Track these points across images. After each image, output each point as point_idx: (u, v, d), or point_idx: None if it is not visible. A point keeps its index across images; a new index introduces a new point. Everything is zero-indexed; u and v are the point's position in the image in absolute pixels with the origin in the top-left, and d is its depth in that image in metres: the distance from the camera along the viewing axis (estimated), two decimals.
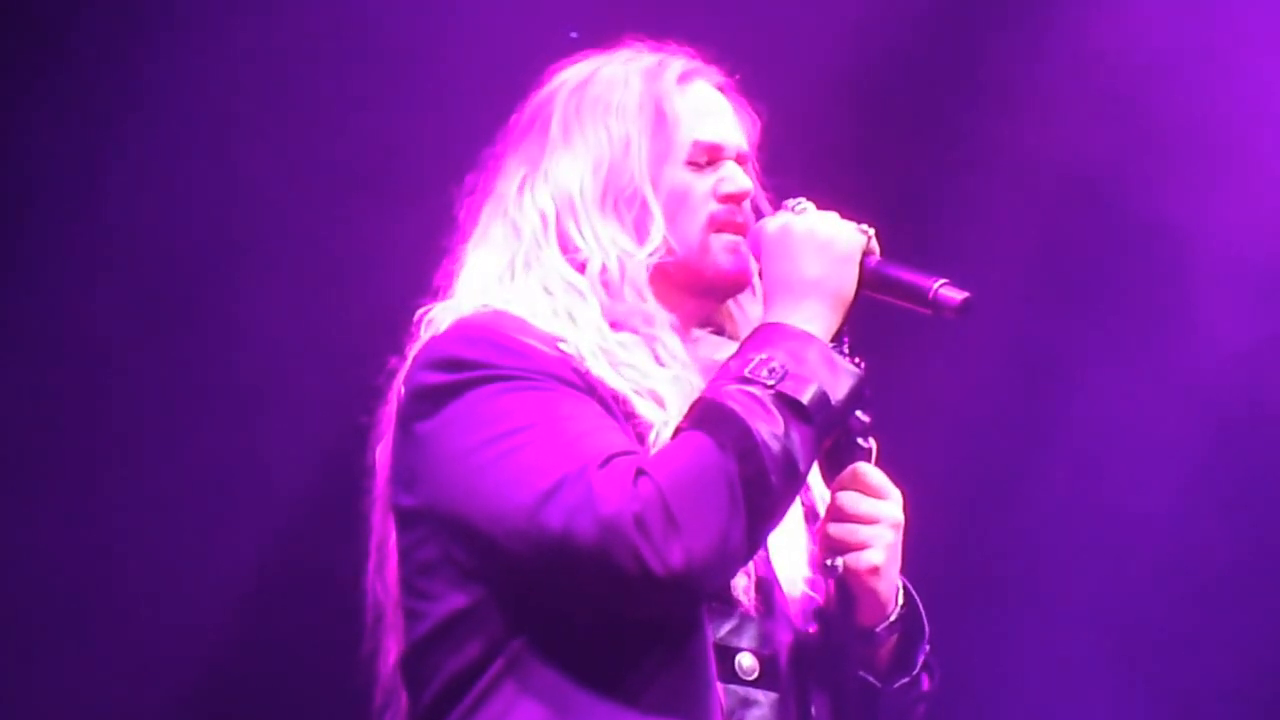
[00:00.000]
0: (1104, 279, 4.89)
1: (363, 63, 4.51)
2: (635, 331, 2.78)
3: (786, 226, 2.79)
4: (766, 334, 2.70)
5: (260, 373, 4.44)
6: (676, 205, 2.84)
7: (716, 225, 2.85)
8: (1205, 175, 4.79)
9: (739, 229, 2.86)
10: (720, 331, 2.93)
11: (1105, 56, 4.81)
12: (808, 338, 2.69)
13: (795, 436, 2.60)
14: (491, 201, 2.89)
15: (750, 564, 2.69)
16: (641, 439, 2.67)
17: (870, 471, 2.77)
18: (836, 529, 2.75)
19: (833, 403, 2.65)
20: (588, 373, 2.68)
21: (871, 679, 2.77)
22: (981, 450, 4.87)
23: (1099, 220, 4.89)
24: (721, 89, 2.94)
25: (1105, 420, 4.86)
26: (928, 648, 2.82)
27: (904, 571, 2.82)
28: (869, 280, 2.78)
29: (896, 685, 2.78)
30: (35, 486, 4.38)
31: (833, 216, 2.82)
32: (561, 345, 2.69)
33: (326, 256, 4.46)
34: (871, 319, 2.80)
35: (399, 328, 2.84)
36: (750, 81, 2.98)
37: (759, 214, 2.90)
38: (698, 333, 2.90)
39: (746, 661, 2.68)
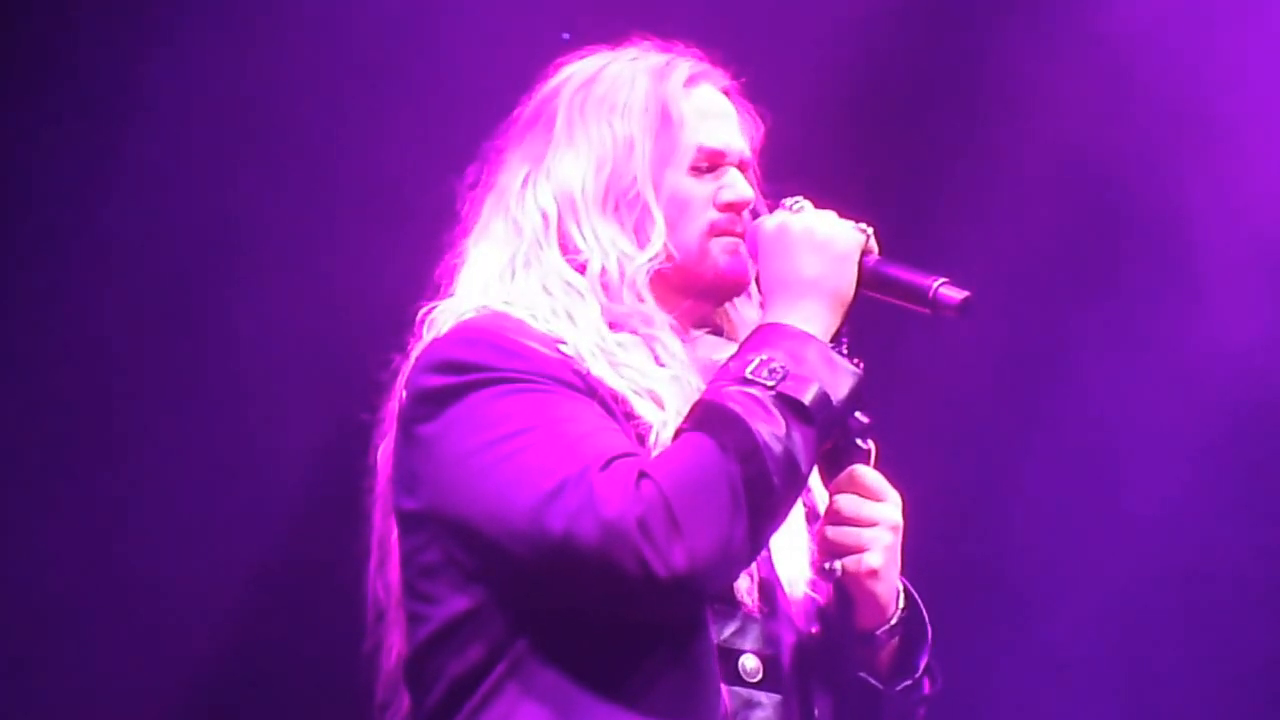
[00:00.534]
0: (1108, 272, 4.88)
1: (361, 62, 4.51)
2: (634, 332, 2.77)
3: (784, 225, 2.78)
4: (766, 334, 2.69)
5: (261, 371, 4.44)
6: (677, 211, 2.83)
7: (716, 232, 2.84)
8: (1210, 164, 4.78)
9: (738, 237, 2.85)
10: (718, 332, 2.92)
11: (1108, 45, 4.80)
12: (807, 338, 2.68)
13: (797, 437, 2.60)
14: (493, 196, 2.88)
15: (753, 565, 2.68)
16: (641, 439, 2.66)
17: (868, 474, 2.76)
18: (834, 532, 2.75)
19: (833, 403, 2.64)
20: (588, 373, 2.68)
21: (873, 681, 2.76)
22: (982, 449, 4.87)
23: (1100, 216, 4.89)
24: (727, 92, 2.93)
25: (1108, 416, 4.86)
26: (930, 651, 2.81)
27: (903, 572, 2.81)
28: (868, 279, 2.77)
29: (898, 688, 2.77)
30: (36, 486, 4.37)
31: (830, 215, 2.81)
32: (562, 346, 2.69)
33: (326, 255, 4.45)
34: (871, 318, 2.79)
35: (399, 325, 2.83)
36: (749, 79, 2.97)
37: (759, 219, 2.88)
38: (696, 333, 2.89)
39: (750, 663, 2.68)
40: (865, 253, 2.78)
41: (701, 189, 2.85)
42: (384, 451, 2.79)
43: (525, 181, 2.85)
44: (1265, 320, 4.76)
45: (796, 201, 2.84)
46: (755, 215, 2.88)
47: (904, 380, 4.50)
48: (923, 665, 2.79)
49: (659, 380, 2.73)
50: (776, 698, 2.68)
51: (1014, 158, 4.85)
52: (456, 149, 3.00)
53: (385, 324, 2.89)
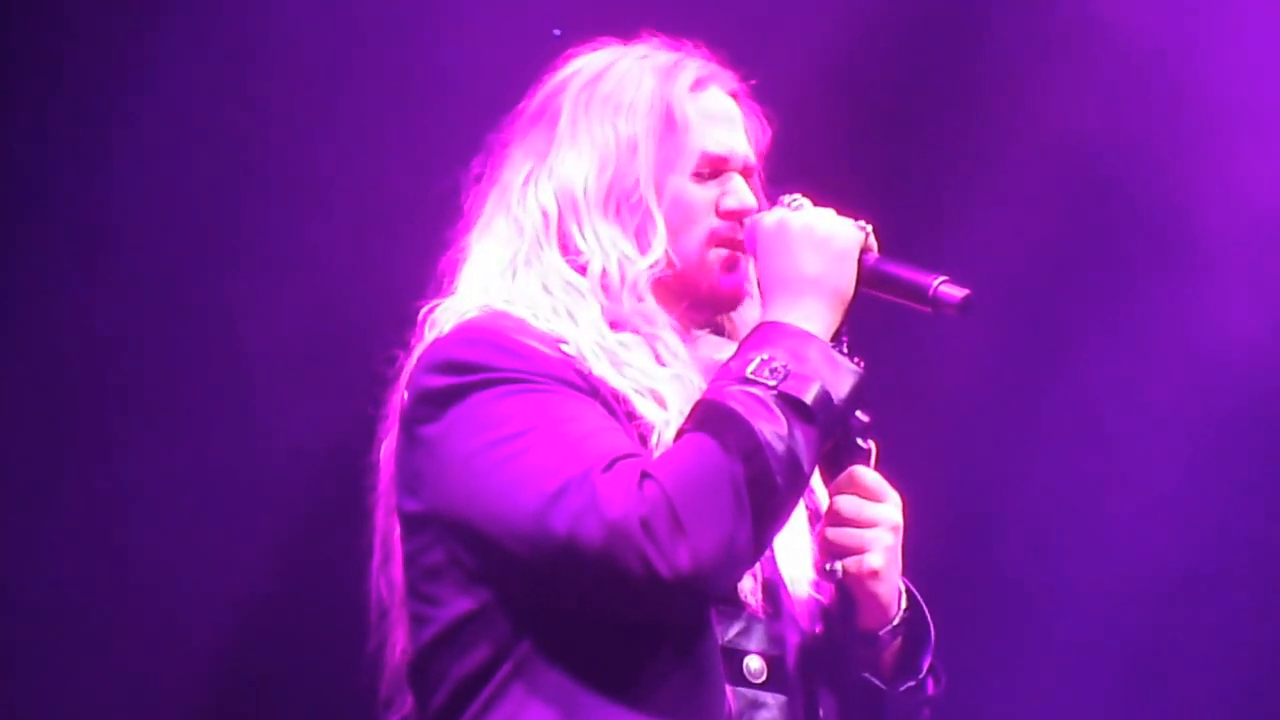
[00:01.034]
0: (1109, 269, 4.88)
1: (366, 55, 4.50)
2: (636, 331, 2.76)
3: (783, 223, 2.77)
4: (766, 333, 2.69)
5: (264, 368, 4.42)
6: (679, 216, 2.82)
7: (716, 241, 2.83)
8: (1212, 161, 4.78)
9: (739, 246, 2.83)
10: (719, 329, 2.91)
11: (1108, 39, 4.80)
12: (808, 336, 2.67)
13: (799, 436, 2.59)
14: (496, 192, 2.87)
15: (757, 566, 2.67)
16: (644, 439, 2.66)
17: (867, 474, 2.76)
18: (834, 533, 2.74)
19: (835, 402, 2.64)
20: (590, 373, 2.67)
21: (877, 682, 2.76)
22: (982, 447, 4.87)
23: (1102, 212, 4.88)
24: (735, 95, 2.91)
25: (1108, 415, 4.86)
26: (933, 652, 2.80)
27: (904, 572, 2.80)
28: (868, 277, 2.76)
29: (902, 689, 2.77)
30: (35, 485, 4.36)
31: (829, 213, 2.80)
32: (563, 346, 2.68)
33: (328, 250, 4.44)
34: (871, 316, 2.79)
35: (401, 320, 2.82)
36: (748, 75, 2.95)
37: None
38: (697, 332, 2.88)
39: (754, 664, 2.67)
40: (865, 250, 2.77)
41: (704, 195, 2.84)
42: (386, 450, 2.79)
43: (528, 178, 2.84)
44: (1267, 317, 4.75)
45: (795, 199, 2.83)
46: None
47: (904, 379, 4.49)
48: (926, 666, 2.79)
49: (661, 379, 2.72)
50: (781, 698, 2.67)
51: (1014, 155, 4.84)
52: (459, 143, 2.99)
53: (388, 319, 2.89)
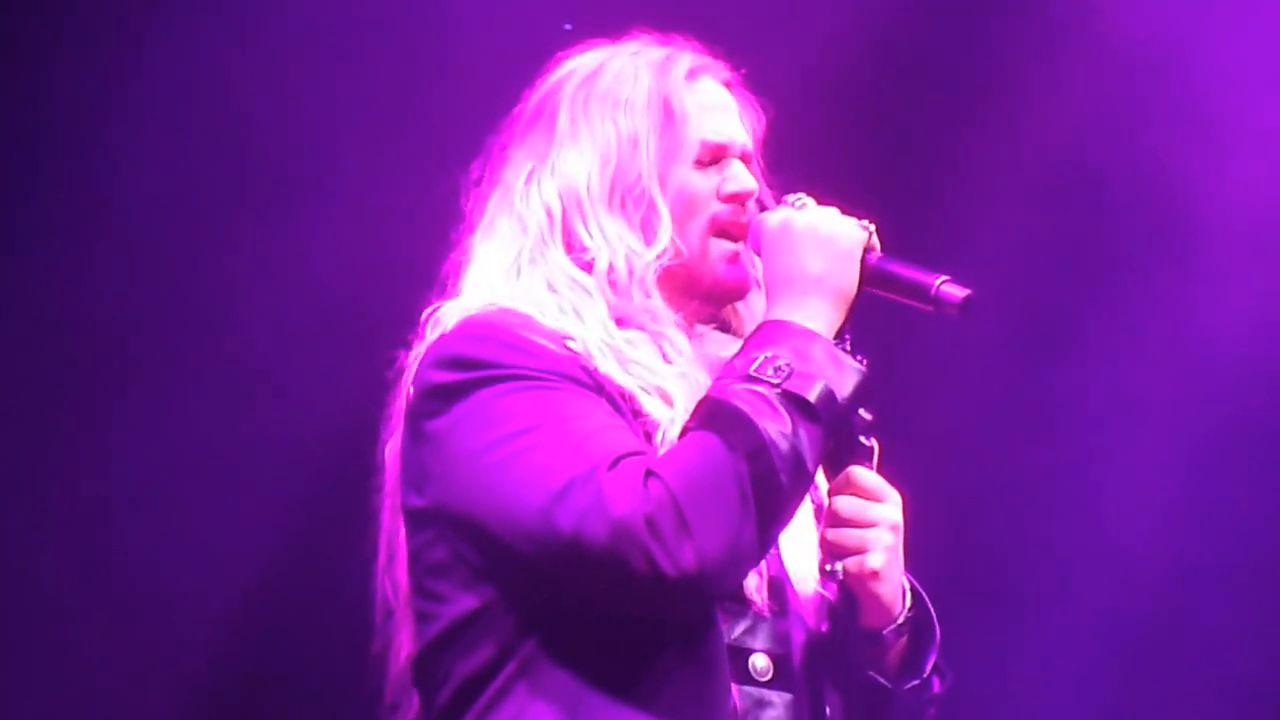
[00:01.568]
0: (1112, 272, 4.89)
1: (370, 56, 4.51)
2: (642, 328, 2.77)
3: (787, 222, 2.78)
4: (770, 331, 2.70)
5: (267, 368, 4.43)
6: (682, 205, 2.84)
7: (719, 226, 2.85)
8: (1216, 151, 4.79)
9: (742, 230, 2.85)
10: (725, 326, 2.93)
11: (1109, 38, 4.80)
12: (811, 335, 2.68)
13: (803, 435, 2.60)
14: (498, 193, 2.88)
15: (762, 564, 2.67)
16: (649, 437, 2.67)
17: (865, 475, 2.76)
18: (834, 534, 2.74)
19: (839, 400, 2.65)
20: (595, 370, 2.67)
21: (882, 680, 2.76)
22: (986, 445, 4.87)
23: (1101, 214, 4.89)
24: (728, 84, 2.94)
25: (1109, 414, 4.86)
26: (938, 650, 2.80)
27: (907, 569, 2.81)
28: (870, 277, 2.77)
29: (907, 687, 2.77)
30: (37, 483, 4.36)
31: (833, 212, 2.81)
32: (569, 343, 2.69)
33: (333, 249, 4.45)
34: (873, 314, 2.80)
35: (406, 321, 2.82)
36: (750, 74, 2.97)
37: (764, 211, 2.88)
38: (702, 329, 2.89)
39: (760, 662, 2.67)
40: (868, 250, 2.78)
41: (706, 182, 2.86)
42: (391, 449, 2.79)
43: (530, 178, 2.85)
44: (1266, 316, 4.76)
45: (799, 198, 2.85)
46: (760, 205, 2.88)
47: (905, 378, 4.50)
48: (930, 665, 2.79)
49: (667, 377, 2.73)
50: (787, 696, 2.67)
51: (1015, 156, 4.85)
52: (466, 143, 3.00)
53: (391, 320, 2.89)
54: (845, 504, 2.74)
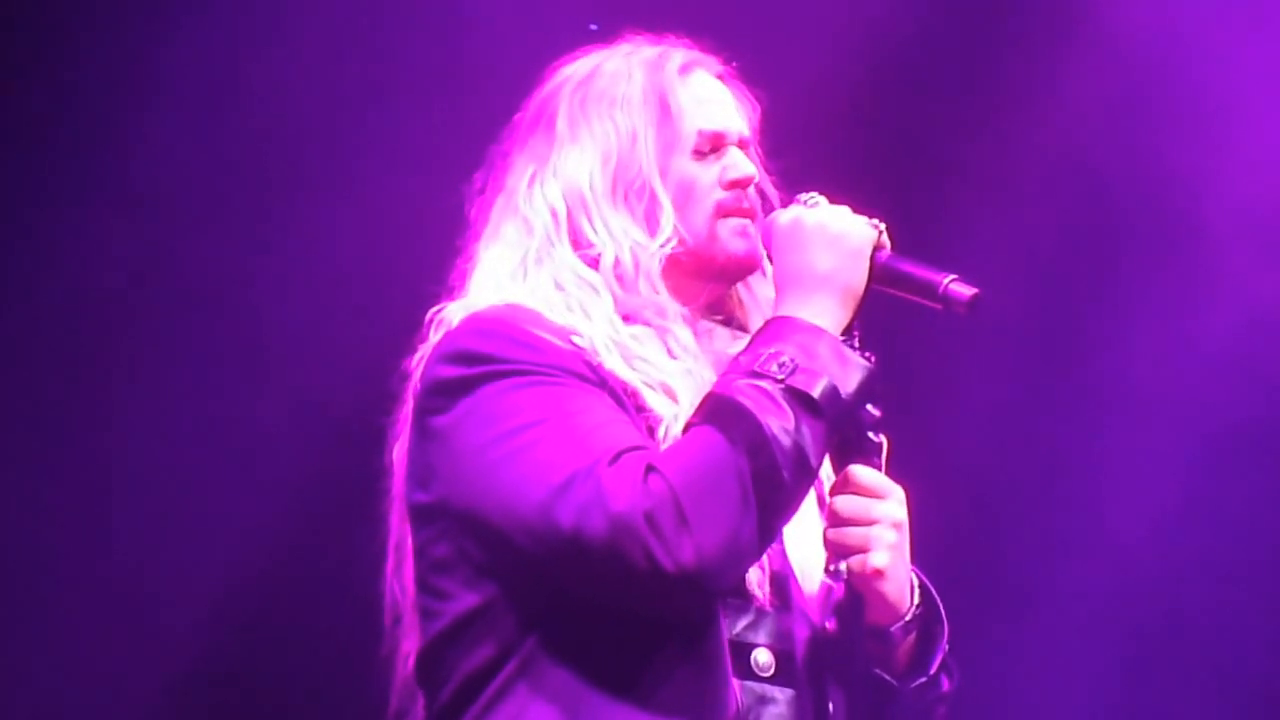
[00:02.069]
0: (1118, 271, 4.87)
1: (383, 60, 4.52)
2: (648, 324, 2.79)
3: (798, 220, 2.80)
4: (776, 328, 2.70)
5: (269, 369, 4.44)
6: (684, 195, 2.86)
7: (723, 212, 2.87)
8: (1217, 150, 4.77)
9: (745, 214, 2.88)
10: (730, 320, 2.94)
11: (1116, 35, 4.79)
12: (818, 332, 2.69)
13: (806, 431, 2.60)
14: (502, 199, 2.91)
15: (765, 558, 2.68)
16: (652, 432, 2.67)
17: (865, 473, 2.75)
18: (836, 533, 2.73)
19: (843, 396, 2.65)
20: (600, 365, 2.69)
21: (888, 678, 2.75)
22: (986, 445, 4.86)
23: (1107, 214, 4.87)
24: (720, 78, 2.97)
25: (1109, 417, 4.85)
26: (946, 648, 2.79)
27: (914, 564, 2.80)
28: (880, 275, 2.78)
29: (914, 685, 2.77)
30: (38, 482, 4.38)
31: (844, 211, 2.82)
32: (575, 338, 2.70)
33: (341, 251, 4.47)
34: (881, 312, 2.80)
35: (414, 327, 2.84)
36: (760, 76, 3.00)
37: (764, 197, 2.93)
38: (708, 324, 2.90)
39: (763, 658, 2.67)
40: (878, 248, 2.79)
41: (706, 171, 2.88)
42: (399, 451, 2.81)
43: (532, 181, 2.88)
44: (1269, 315, 4.74)
45: (811, 197, 2.86)
46: (760, 191, 2.92)
47: (912, 375, 4.50)
48: (938, 662, 2.78)
49: (672, 373, 2.74)
50: (790, 692, 2.67)
51: (1015, 156, 4.84)
52: (474, 145, 3.02)
53: (400, 326, 2.91)
54: (846, 503, 2.73)
